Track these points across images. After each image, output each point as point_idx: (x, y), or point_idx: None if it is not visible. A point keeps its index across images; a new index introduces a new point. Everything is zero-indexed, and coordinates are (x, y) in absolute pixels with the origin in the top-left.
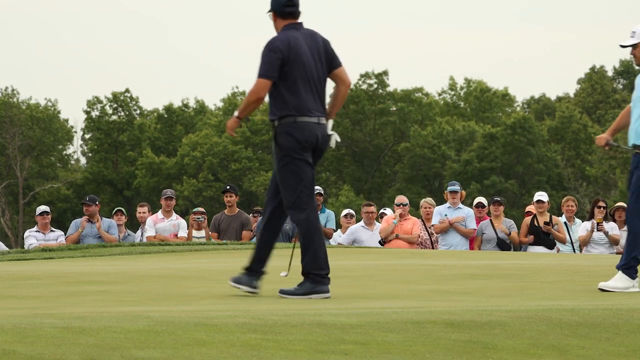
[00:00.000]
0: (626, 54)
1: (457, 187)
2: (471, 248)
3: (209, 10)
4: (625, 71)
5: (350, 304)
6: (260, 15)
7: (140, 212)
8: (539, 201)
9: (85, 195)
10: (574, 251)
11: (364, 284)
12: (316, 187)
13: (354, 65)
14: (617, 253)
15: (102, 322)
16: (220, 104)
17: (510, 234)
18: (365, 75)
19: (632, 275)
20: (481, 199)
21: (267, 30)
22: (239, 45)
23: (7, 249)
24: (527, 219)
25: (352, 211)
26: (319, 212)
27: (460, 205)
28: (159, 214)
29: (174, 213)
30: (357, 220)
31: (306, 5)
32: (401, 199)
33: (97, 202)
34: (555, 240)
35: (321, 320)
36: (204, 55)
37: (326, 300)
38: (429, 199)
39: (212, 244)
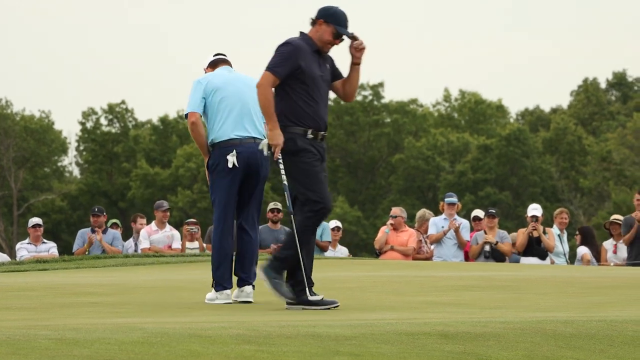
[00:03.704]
0: (619, 66)
1: (454, 199)
2: (466, 259)
3: (205, 21)
4: (618, 83)
5: (345, 316)
6: (257, 26)
7: (140, 224)
8: (533, 216)
9: (81, 207)
10: (567, 262)
11: (358, 295)
12: None
13: None
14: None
15: (96, 334)
16: None
17: (496, 243)
18: (360, 87)
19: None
20: (477, 213)
21: (264, 40)
22: (236, 57)
23: (8, 258)
24: (524, 230)
25: (339, 224)
26: None
27: (456, 216)
28: (153, 225)
29: (167, 224)
30: (345, 232)
31: (301, 18)
32: (394, 211)
33: (104, 213)
34: (548, 252)
35: (315, 332)
36: (200, 66)
37: (320, 312)
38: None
39: (207, 255)
